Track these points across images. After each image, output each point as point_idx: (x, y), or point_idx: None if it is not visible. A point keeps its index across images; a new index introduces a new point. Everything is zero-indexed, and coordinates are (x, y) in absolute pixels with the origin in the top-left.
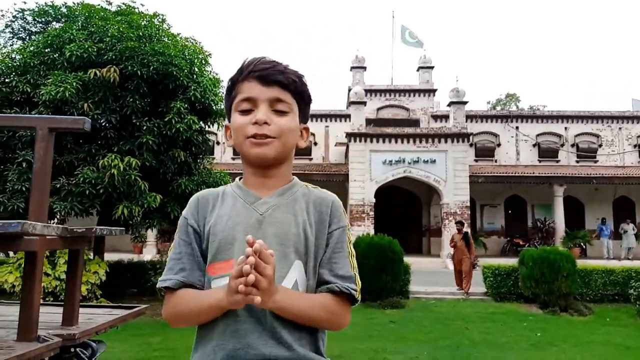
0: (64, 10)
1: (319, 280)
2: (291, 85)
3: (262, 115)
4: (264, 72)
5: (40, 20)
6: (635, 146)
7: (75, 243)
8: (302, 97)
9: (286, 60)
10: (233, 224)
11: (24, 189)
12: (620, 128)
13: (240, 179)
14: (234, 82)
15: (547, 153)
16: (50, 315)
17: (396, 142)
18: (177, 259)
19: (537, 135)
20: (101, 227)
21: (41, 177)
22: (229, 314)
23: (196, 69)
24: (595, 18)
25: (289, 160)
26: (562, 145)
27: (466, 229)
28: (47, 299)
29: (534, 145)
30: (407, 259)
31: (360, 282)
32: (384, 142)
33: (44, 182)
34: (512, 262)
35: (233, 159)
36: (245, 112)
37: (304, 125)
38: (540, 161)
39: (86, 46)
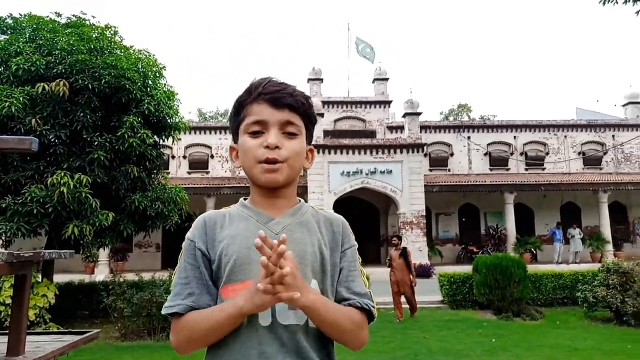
0: (9, 21)
1: (337, 298)
2: (301, 108)
3: (273, 139)
4: (275, 94)
5: None
6: (579, 153)
7: (22, 268)
8: (310, 119)
9: (241, 72)
10: (248, 244)
11: None
12: (565, 136)
13: (245, 199)
14: (242, 103)
15: (498, 162)
16: None
17: (353, 153)
18: (185, 284)
19: (488, 144)
20: (49, 250)
21: None
22: (251, 337)
23: (150, 82)
24: (542, 29)
25: (295, 182)
26: (512, 153)
27: (404, 244)
28: None
29: (485, 154)
30: (366, 270)
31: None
32: (341, 153)
33: None
34: (467, 269)
35: (189, 172)
36: (255, 135)
37: (310, 147)
38: (491, 170)
39: (34, 59)
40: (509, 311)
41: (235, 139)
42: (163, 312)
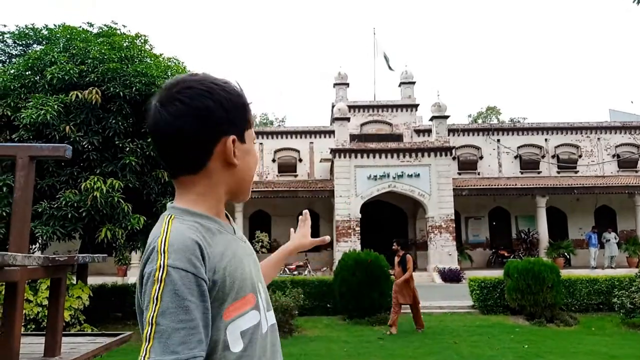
0: (44, 32)
1: None
2: None
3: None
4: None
5: (20, 42)
6: (613, 156)
7: (57, 272)
8: None
9: (272, 77)
10: (239, 258)
11: (4, 214)
12: (599, 138)
13: (185, 210)
14: (246, 107)
15: (529, 165)
16: (31, 346)
17: (380, 157)
18: (192, 328)
19: (518, 147)
20: (83, 254)
21: (22, 206)
22: (261, 344)
23: None
24: (572, 30)
25: None
26: (543, 156)
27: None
28: (28, 326)
29: (515, 157)
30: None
31: None
32: (368, 157)
33: (25, 211)
34: (497, 274)
35: None
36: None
37: None
38: (522, 173)
39: (67, 68)
40: (542, 317)
41: (239, 134)
42: None
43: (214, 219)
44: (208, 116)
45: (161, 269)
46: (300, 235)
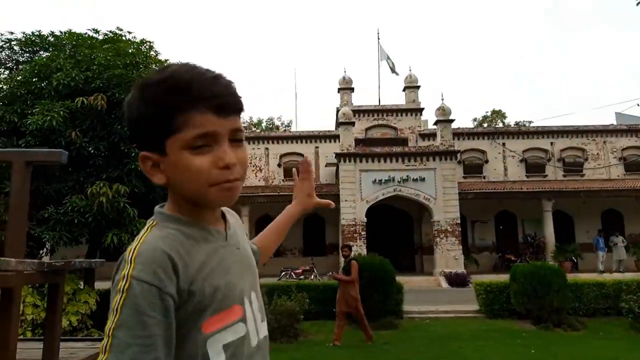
0: (51, 39)
1: None
2: (244, 109)
3: (232, 158)
4: (221, 99)
5: (27, 49)
6: (620, 159)
7: (54, 277)
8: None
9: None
10: (224, 268)
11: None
12: (604, 142)
13: (171, 215)
14: (172, 107)
15: (534, 168)
16: (31, 351)
17: (385, 161)
18: (147, 345)
19: (524, 151)
20: (80, 259)
21: (18, 210)
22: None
23: None
24: (577, 33)
25: None
26: (549, 160)
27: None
28: (36, 331)
29: (520, 161)
30: (400, 278)
31: None
32: (373, 161)
33: (21, 215)
34: (504, 278)
35: None
36: (199, 149)
37: None
38: (527, 176)
39: (73, 74)
40: (548, 321)
41: (153, 146)
42: None
43: (199, 225)
44: (130, 128)
45: (125, 280)
46: (305, 193)
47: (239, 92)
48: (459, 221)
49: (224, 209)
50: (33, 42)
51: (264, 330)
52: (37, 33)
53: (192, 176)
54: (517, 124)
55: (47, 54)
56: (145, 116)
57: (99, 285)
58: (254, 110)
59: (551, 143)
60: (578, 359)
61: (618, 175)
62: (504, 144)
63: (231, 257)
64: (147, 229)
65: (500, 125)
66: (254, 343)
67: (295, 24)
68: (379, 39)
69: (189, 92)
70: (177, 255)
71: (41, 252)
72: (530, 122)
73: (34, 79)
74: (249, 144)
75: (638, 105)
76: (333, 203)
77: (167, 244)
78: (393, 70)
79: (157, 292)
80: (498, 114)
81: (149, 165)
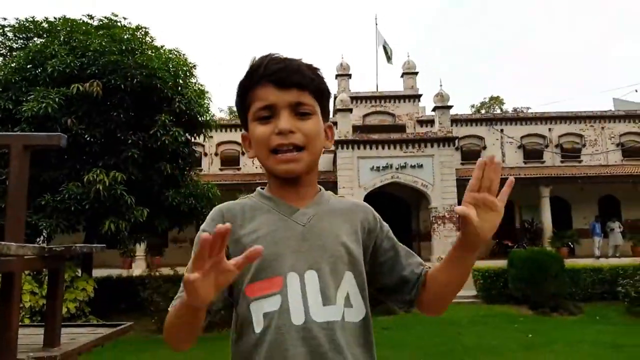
0: (45, 25)
1: (401, 281)
2: (310, 85)
3: (285, 124)
4: (279, 74)
5: (21, 36)
6: (618, 145)
7: (55, 262)
8: (322, 94)
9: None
10: (274, 239)
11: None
12: (602, 127)
13: (262, 188)
14: (246, 87)
15: (532, 154)
16: (31, 337)
17: (383, 148)
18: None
19: (522, 137)
20: (81, 245)
21: (17, 195)
22: (280, 339)
23: (181, 81)
24: (576, 20)
25: (316, 167)
26: (547, 146)
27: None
28: (34, 318)
29: (519, 147)
30: None
31: None
32: (371, 148)
33: (20, 200)
34: (501, 263)
35: (221, 169)
36: (264, 121)
37: (328, 124)
38: (525, 162)
39: (68, 61)
40: (545, 306)
41: (246, 127)
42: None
43: (272, 198)
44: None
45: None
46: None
47: (317, 75)
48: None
49: (356, 202)
50: (26, 28)
51: (324, 315)
52: (31, 19)
53: (257, 143)
54: (515, 110)
55: (41, 40)
56: (236, 101)
57: (97, 272)
58: None
59: (549, 129)
60: (575, 343)
61: (615, 161)
62: (502, 130)
63: (289, 231)
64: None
65: (498, 111)
66: (297, 322)
67: (292, 10)
68: (376, 24)
69: (257, 72)
70: (230, 213)
71: (38, 239)
72: (528, 108)
73: (28, 66)
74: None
75: (636, 91)
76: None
77: (228, 206)
78: (389, 59)
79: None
80: (496, 100)
81: (246, 143)
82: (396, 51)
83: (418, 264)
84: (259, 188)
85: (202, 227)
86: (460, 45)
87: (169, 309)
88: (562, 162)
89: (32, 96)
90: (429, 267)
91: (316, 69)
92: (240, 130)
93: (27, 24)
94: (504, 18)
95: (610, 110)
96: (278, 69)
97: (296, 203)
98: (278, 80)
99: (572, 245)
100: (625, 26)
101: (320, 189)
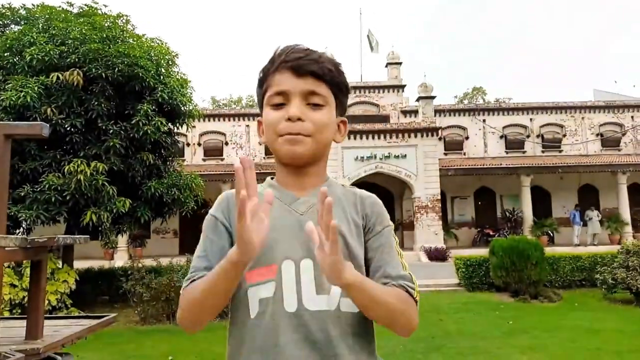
0: (22, 12)
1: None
2: (326, 76)
3: (295, 111)
4: (297, 62)
5: None
6: (597, 135)
7: (37, 254)
8: (339, 87)
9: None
10: (274, 226)
11: None
12: (582, 118)
13: (272, 178)
14: (266, 73)
15: (514, 144)
16: (13, 330)
17: (367, 138)
18: (202, 256)
19: (504, 127)
20: (64, 235)
21: None
22: (272, 325)
23: (163, 70)
24: (557, 10)
25: (325, 157)
26: (528, 136)
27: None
28: (14, 310)
29: (500, 137)
30: None
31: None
32: (355, 138)
33: (1, 191)
34: (483, 252)
35: (204, 159)
36: (277, 107)
37: (342, 118)
38: (507, 152)
39: (47, 49)
40: (526, 293)
41: (262, 111)
42: (183, 287)
43: (276, 186)
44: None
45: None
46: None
47: (335, 68)
48: (439, 197)
49: (362, 193)
50: (3, 14)
51: (317, 304)
52: (7, 5)
53: (268, 128)
54: (497, 100)
55: (19, 27)
56: (257, 87)
57: (78, 264)
58: (234, 87)
59: (530, 119)
60: (553, 329)
61: (595, 151)
62: (484, 121)
63: (288, 219)
64: None
65: (481, 102)
66: (290, 309)
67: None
68: (360, 14)
69: (278, 59)
70: (235, 198)
71: (17, 231)
72: (510, 98)
73: (5, 54)
74: (229, 120)
75: (615, 82)
76: None
77: (234, 192)
78: (372, 47)
79: (215, 221)
80: (479, 91)
81: (260, 129)
82: (380, 40)
83: (388, 276)
84: (269, 178)
85: (210, 212)
86: (444, 36)
87: (182, 290)
88: (542, 152)
89: (10, 85)
90: (395, 284)
91: (337, 63)
92: (223, 121)
93: (4, 11)
94: (488, 8)
95: (591, 100)
96: (298, 57)
97: (298, 192)
98: (295, 67)
99: (552, 234)
100: (624, 24)
101: (328, 178)
